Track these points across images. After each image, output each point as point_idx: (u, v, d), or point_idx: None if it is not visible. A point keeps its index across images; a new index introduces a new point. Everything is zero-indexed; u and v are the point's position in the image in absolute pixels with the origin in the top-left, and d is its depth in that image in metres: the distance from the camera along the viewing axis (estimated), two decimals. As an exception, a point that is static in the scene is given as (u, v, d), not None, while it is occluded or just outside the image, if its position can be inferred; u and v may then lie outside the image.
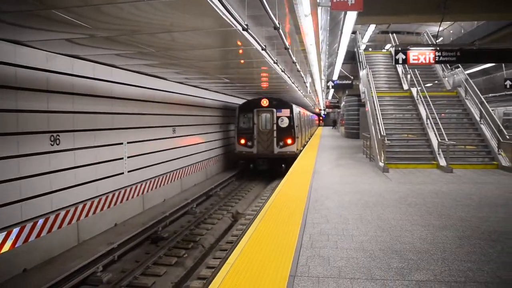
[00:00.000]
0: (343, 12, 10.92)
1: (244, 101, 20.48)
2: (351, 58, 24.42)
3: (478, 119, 14.53)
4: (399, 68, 20.85)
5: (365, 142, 16.50)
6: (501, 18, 14.99)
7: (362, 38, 24.77)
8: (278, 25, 6.16)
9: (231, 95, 21.74)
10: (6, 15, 5.20)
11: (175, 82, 13.67)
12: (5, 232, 6.77)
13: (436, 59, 11.57)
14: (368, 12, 10.24)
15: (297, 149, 19.33)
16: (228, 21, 5.49)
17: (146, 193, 11.72)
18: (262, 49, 7.64)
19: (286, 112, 18.79)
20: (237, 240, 9.39)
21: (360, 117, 27.06)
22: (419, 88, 16.65)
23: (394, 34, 24.41)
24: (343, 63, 22.09)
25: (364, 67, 20.27)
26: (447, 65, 19.11)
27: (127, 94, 10.67)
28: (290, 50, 8.41)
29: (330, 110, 63.84)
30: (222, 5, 4.72)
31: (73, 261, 7.55)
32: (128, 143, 10.69)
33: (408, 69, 19.18)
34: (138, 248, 9.02)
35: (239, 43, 7.33)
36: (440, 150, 12.95)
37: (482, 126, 14.17)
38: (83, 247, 8.56)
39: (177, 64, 9.69)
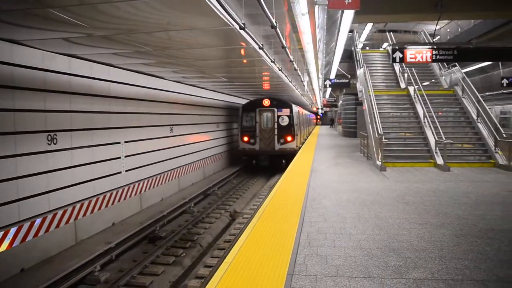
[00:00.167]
0: (340, 11, 10.95)
1: (246, 101, 21.54)
2: (349, 57, 24.45)
3: (475, 117, 14.56)
4: (396, 66, 20.87)
5: (362, 140, 16.52)
6: (498, 17, 15.04)
7: (359, 36, 24.80)
8: (275, 24, 6.15)
9: (230, 94, 21.72)
10: (3, 14, 5.18)
11: (175, 81, 13.66)
12: (3, 232, 6.76)
13: (433, 58, 11.57)
14: (365, 10, 10.24)
15: (297, 146, 20.51)
16: (225, 20, 5.48)
17: (143, 192, 11.70)
18: (260, 48, 7.64)
19: (286, 111, 20.03)
20: (235, 239, 9.39)
21: (358, 116, 27.11)
22: (416, 86, 16.67)
23: (391, 33, 24.43)
24: (340, 62, 22.14)
25: (361, 65, 20.30)
26: (444, 63, 19.13)
27: (125, 93, 10.65)
28: (287, 49, 8.41)
29: (328, 109, 63.91)
30: (219, 4, 4.71)
31: (71, 261, 7.54)
32: (125, 142, 10.67)
33: (405, 68, 19.22)
34: (135, 248, 9.01)
35: (243, 44, 7.33)
36: (437, 148, 12.98)
37: (479, 124, 14.20)
38: (80, 246, 8.55)
39: (175, 63, 9.68)
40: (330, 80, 24.08)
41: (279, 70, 11.53)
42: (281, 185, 9.58)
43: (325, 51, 18.55)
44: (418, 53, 11.64)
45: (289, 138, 19.90)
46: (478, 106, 14.50)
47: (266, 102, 20.10)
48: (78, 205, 8.75)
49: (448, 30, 24.26)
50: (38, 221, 7.54)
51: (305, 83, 18.71)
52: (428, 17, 14.17)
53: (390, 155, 13.23)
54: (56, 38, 6.72)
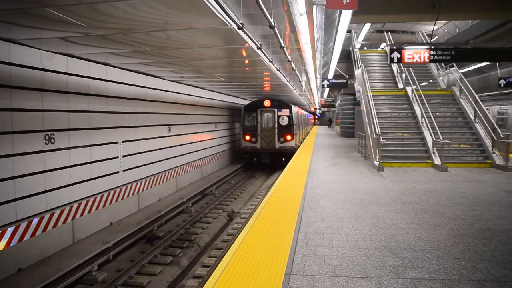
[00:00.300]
0: (338, 11, 10.96)
1: (244, 101, 22.56)
2: (346, 57, 24.50)
3: (472, 118, 14.59)
4: (394, 67, 20.92)
5: (360, 141, 16.54)
6: (495, 17, 15.10)
7: (357, 37, 24.84)
8: (273, 24, 6.16)
9: (228, 94, 21.73)
10: (0, 13, 5.16)
11: (173, 81, 13.65)
12: (0, 232, 6.74)
13: (431, 58, 11.60)
14: (363, 10, 10.29)
15: (296, 144, 21.61)
16: (223, 20, 5.48)
17: (141, 192, 11.69)
18: (258, 48, 7.64)
19: (286, 111, 21.11)
20: (232, 239, 9.40)
21: (355, 116, 27.15)
22: (414, 87, 16.70)
23: (389, 33, 24.50)
24: (338, 62, 22.16)
25: (359, 66, 20.32)
26: (442, 64, 19.18)
27: (122, 92, 10.63)
28: (285, 49, 8.41)
29: (326, 109, 63.95)
30: (217, 4, 4.72)
31: (68, 260, 7.53)
32: (123, 142, 10.66)
33: (403, 68, 19.25)
34: (133, 247, 9.00)
35: (241, 43, 7.32)
36: (434, 149, 13.01)
37: (476, 125, 14.23)
38: (78, 246, 8.54)
39: (172, 62, 9.67)
40: (328, 80, 24.09)
41: (277, 70, 11.53)
42: (279, 185, 9.58)
43: (323, 51, 18.59)
44: (416, 54, 11.68)
45: (288, 137, 20.94)
46: (475, 107, 14.53)
47: (267, 103, 21.04)
48: (75, 205, 8.74)
49: (445, 30, 24.33)
50: (35, 220, 7.53)
51: (303, 83, 18.74)
52: (426, 18, 14.22)
53: (388, 155, 13.24)
54: (54, 37, 6.71)
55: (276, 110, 21.13)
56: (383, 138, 12.76)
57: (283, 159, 20.23)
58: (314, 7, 7.47)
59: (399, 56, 11.83)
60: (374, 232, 5.78)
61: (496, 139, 12.78)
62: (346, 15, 10.69)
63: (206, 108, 18.37)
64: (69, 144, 8.56)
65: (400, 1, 12.46)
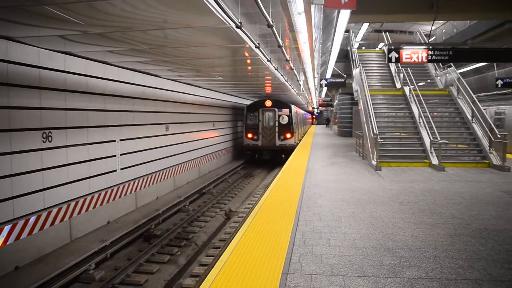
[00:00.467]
0: (337, 10, 10.97)
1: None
2: (344, 56, 24.50)
3: (470, 118, 14.62)
4: (392, 66, 20.94)
5: (358, 140, 16.56)
6: (493, 18, 15.14)
7: (356, 36, 24.86)
8: (271, 23, 6.16)
9: (225, 93, 21.72)
10: (-2, 10, 5.16)
11: (171, 80, 13.64)
12: (-3, 230, 6.74)
13: (429, 58, 11.64)
14: (361, 10, 10.29)
15: (295, 142, 22.86)
16: (222, 19, 5.48)
17: (138, 190, 11.68)
18: (256, 47, 7.64)
19: (286, 111, 22.35)
20: (230, 237, 9.40)
21: (353, 116, 27.19)
22: (411, 86, 16.72)
23: (387, 33, 24.50)
24: (336, 62, 22.20)
25: (357, 65, 20.34)
26: (440, 64, 19.21)
27: (120, 91, 10.62)
28: (283, 48, 8.41)
29: (323, 108, 63.99)
30: (216, 2, 4.71)
31: (66, 259, 7.52)
32: (120, 140, 10.65)
33: (401, 68, 19.27)
34: (130, 246, 8.99)
35: (239, 42, 7.31)
36: (432, 148, 13.03)
37: (474, 125, 14.27)
38: (75, 244, 8.52)
39: (170, 61, 9.65)
40: (326, 79, 24.11)
41: (275, 69, 11.54)
42: (277, 184, 9.59)
43: (321, 50, 18.59)
44: (414, 53, 11.71)
45: (288, 135, 22.22)
46: (473, 107, 14.56)
47: (268, 103, 22.34)
48: (73, 203, 8.73)
49: (443, 30, 24.37)
50: (32, 219, 7.52)
51: (301, 82, 18.75)
52: (424, 18, 14.26)
53: (386, 154, 13.27)
54: (52, 35, 6.70)
55: (276, 109, 22.27)
56: (380, 138, 12.79)
57: (283, 155, 21.15)
58: (313, 7, 7.48)
59: (397, 56, 11.86)
60: (371, 232, 5.79)
61: (493, 139, 12.82)
62: (345, 15, 10.71)
63: (205, 107, 18.35)
64: (67, 142, 8.55)
65: (398, 1, 12.48)
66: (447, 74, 18.12)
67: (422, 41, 21.05)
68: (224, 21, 5.60)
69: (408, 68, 18.96)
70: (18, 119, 7.23)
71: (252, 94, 23.66)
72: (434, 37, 25.42)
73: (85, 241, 8.73)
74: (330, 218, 6.55)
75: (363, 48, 27.80)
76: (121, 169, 10.74)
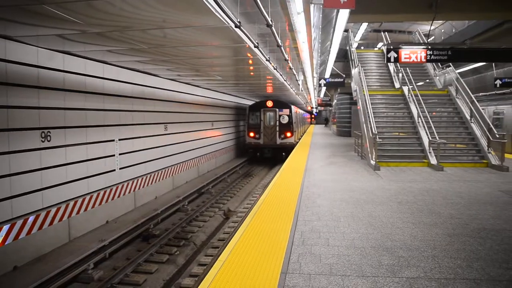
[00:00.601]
0: (336, 10, 10.97)
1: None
2: (343, 56, 24.53)
3: (468, 118, 14.64)
4: (391, 66, 20.95)
5: (356, 140, 16.57)
6: (491, 18, 15.16)
7: (354, 36, 24.87)
8: (270, 23, 6.16)
9: (224, 93, 21.72)
10: (-4, 9, 5.15)
11: (170, 79, 13.63)
12: (-5, 229, 6.73)
13: (428, 58, 11.64)
14: (360, 10, 10.30)
15: (295, 141, 23.89)
16: (221, 18, 5.48)
17: (137, 190, 11.67)
18: (255, 47, 7.64)
19: (286, 111, 23.35)
20: (229, 237, 9.40)
21: (352, 115, 27.21)
22: (410, 86, 16.72)
23: (386, 33, 24.50)
24: (335, 61, 22.21)
25: (356, 65, 20.35)
26: (439, 64, 19.23)
27: (119, 90, 10.60)
28: (282, 48, 8.41)
29: (322, 108, 64.02)
30: (215, 2, 4.71)
31: (64, 258, 7.51)
32: (119, 140, 10.64)
33: (399, 68, 19.27)
34: (129, 246, 8.99)
35: (238, 42, 7.31)
36: (431, 148, 13.04)
37: (472, 125, 14.28)
38: (74, 244, 8.52)
39: (169, 60, 9.65)
40: (325, 79, 24.13)
41: (274, 69, 11.54)
42: (276, 183, 9.59)
43: (320, 50, 18.59)
44: (413, 53, 11.72)
45: (288, 134, 23.24)
46: (471, 107, 14.58)
47: (269, 103, 23.37)
48: (71, 203, 8.72)
49: (442, 30, 24.39)
50: (31, 218, 7.51)
51: (300, 82, 18.77)
52: (423, 17, 14.25)
53: (384, 154, 13.28)
54: (51, 34, 6.69)
55: (277, 109, 23.28)
56: (379, 138, 12.79)
57: (284, 153, 21.99)
58: (312, 6, 7.48)
59: (396, 55, 11.87)
60: (370, 231, 5.79)
61: (491, 139, 12.83)
62: (344, 15, 10.71)
63: (205, 107, 18.35)
64: (66, 141, 8.54)
65: (397, 1, 12.49)
66: (446, 74, 18.13)
67: (421, 41, 21.07)
68: (224, 20, 5.60)
69: (407, 68, 18.97)
70: (17, 119, 7.22)
71: (251, 94, 23.75)
72: (433, 37, 25.43)
73: (83, 240, 8.72)
74: (329, 217, 6.55)
75: (362, 47, 27.84)
76: (120, 168, 10.73)
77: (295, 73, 14.39)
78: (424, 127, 13.99)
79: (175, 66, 10.62)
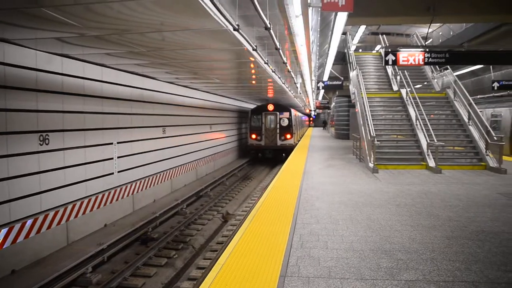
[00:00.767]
0: (334, 13, 10.99)
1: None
2: (342, 59, 24.52)
3: (466, 120, 14.66)
4: (389, 69, 20.97)
5: (355, 143, 16.58)
6: (489, 20, 15.22)
7: (353, 39, 24.88)
8: (269, 26, 6.17)
9: (222, 96, 21.73)
10: (-6, 12, 5.15)
11: (168, 83, 13.63)
12: (-7, 233, 6.71)
13: (425, 61, 11.68)
14: (358, 13, 10.32)
15: (294, 142, 24.99)
16: (219, 21, 5.48)
17: (136, 193, 11.66)
18: (253, 49, 7.65)
19: (286, 114, 24.70)
20: (227, 240, 9.39)
21: (350, 118, 27.25)
22: (408, 89, 16.76)
23: (384, 36, 24.55)
24: (333, 64, 22.18)
25: (354, 68, 20.36)
26: (436, 66, 19.27)
27: (118, 93, 10.60)
28: (280, 51, 8.42)
29: (321, 111, 64.02)
30: (213, 5, 4.72)
31: (62, 262, 7.49)
32: (117, 143, 10.63)
33: (397, 70, 19.30)
34: (128, 249, 8.97)
35: (236, 45, 7.32)
36: (429, 151, 13.05)
37: (470, 127, 14.30)
38: (72, 247, 8.50)
39: (168, 63, 9.65)
40: (323, 82, 24.16)
41: (273, 71, 11.54)
42: (274, 186, 9.59)
43: (318, 53, 18.61)
44: (411, 56, 11.76)
45: (288, 136, 24.47)
46: (469, 109, 14.61)
47: (270, 107, 24.57)
48: (70, 206, 8.70)
49: (440, 33, 24.43)
50: (29, 222, 7.49)
51: (298, 85, 18.78)
52: (420, 20, 14.32)
53: (383, 157, 13.29)
54: (49, 37, 6.69)
55: (278, 113, 24.55)
56: (377, 140, 12.80)
57: (284, 154, 23.18)
58: (310, 9, 7.49)
59: (394, 58, 11.91)
60: (368, 234, 5.79)
61: (489, 142, 12.84)
62: (342, 18, 10.73)
63: (204, 110, 18.35)
64: (64, 145, 8.53)
65: (395, 4, 12.53)
66: (444, 77, 18.17)
67: (419, 44, 21.11)
68: (222, 23, 5.60)
69: (405, 71, 19.01)
70: (15, 122, 7.21)
71: (251, 97, 23.85)
72: (431, 40, 25.48)
73: (82, 244, 8.70)
74: (328, 220, 6.55)
75: (360, 50, 27.89)
76: (118, 172, 10.72)
77: (293, 76, 14.40)
78: (422, 129, 14.01)
79: (173, 69, 10.62)
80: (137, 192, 11.75)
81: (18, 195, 7.29)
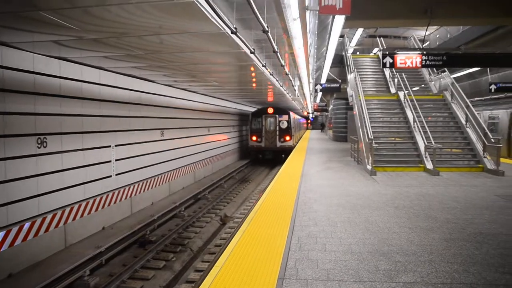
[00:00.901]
0: (331, 16, 11.03)
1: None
2: (339, 61, 24.60)
3: (464, 122, 14.71)
4: (387, 71, 21.01)
5: (353, 145, 16.60)
6: (485, 23, 15.28)
7: (350, 42, 24.96)
8: (266, 29, 6.18)
9: (221, 98, 21.74)
10: (-7, 16, 5.15)
11: (167, 85, 13.64)
12: (-10, 236, 6.69)
13: (423, 63, 11.71)
14: (356, 16, 10.34)
15: (293, 144, 26.09)
16: (217, 24, 5.50)
17: (134, 196, 11.64)
18: (251, 52, 7.66)
19: (285, 117, 25.74)
20: (225, 243, 9.38)
21: (348, 121, 27.29)
22: (406, 91, 16.79)
23: (382, 38, 24.63)
24: (331, 67, 22.25)
25: (352, 70, 20.40)
26: (434, 69, 19.34)
27: (115, 96, 10.60)
28: (278, 54, 8.44)
29: (318, 113, 64.12)
30: (211, 8, 4.73)
31: (60, 265, 7.47)
32: (115, 146, 10.63)
33: (395, 73, 19.36)
34: (126, 252, 8.95)
35: (235, 48, 7.33)
36: (427, 153, 13.08)
37: (468, 129, 14.35)
38: (70, 250, 8.48)
39: (166, 66, 9.65)
40: (321, 84, 24.21)
41: (271, 74, 11.57)
42: (272, 189, 9.59)
43: (316, 56, 18.67)
44: (408, 59, 11.79)
45: (287, 138, 25.57)
46: (467, 111, 14.65)
47: (270, 110, 25.67)
48: (67, 209, 8.68)
49: (437, 36, 24.54)
50: (27, 225, 7.47)
51: (296, 88, 18.82)
52: (418, 23, 14.36)
53: (380, 159, 13.30)
54: (47, 40, 6.69)
55: (277, 116, 25.63)
56: (375, 143, 12.82)
57: (283, 155, 24.09)
58: (308, 12, 7.52)
59: (391, 61, 11.94)
60: (367, 236, 5.80)
61: (487, 144, 12.88)
62: (339, 20, 10.76)
63: (202, 113, 18.35)
64: (62, 148, 8.52)
65: (392, 7, 12.56)
66: (441, 79, 18.22)
67: (416, 46, 21.18)
68: (220, 26, 5.62)
69: (403, 73, 19.05)
70: (13, 125, 7.20)
71: (249, 100, 23.92)
72: (428, 42, 25.59)
73: (80, 247, 8.68)
74: (326, 223, 6.56)
75: (358, 53, 27.93)
76: (116, 174, 10.71)
77: (291, 78, 14.43)
78: (420, 132, 14.03)
79: (171, 72, 10.63)
80: (135, 195, 11.74)
81: (16, 198, 7.28)
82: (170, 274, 8.00)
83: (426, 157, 13.01)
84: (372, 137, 12.77)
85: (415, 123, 14.67)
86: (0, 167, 6.92)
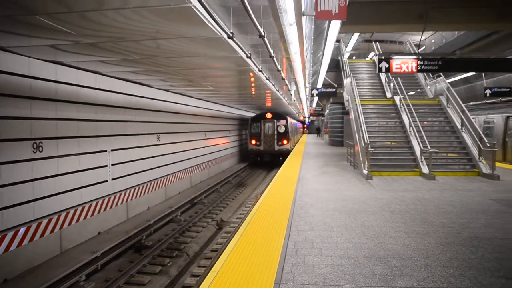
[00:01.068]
0: (327, 21, 11.07)
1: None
2: (335, 66, 24.68)
3: (459, 127, 14.78)
4: (383, 76, 21.11)
5: (349, 149, 16.63)
6: (480, 28, 15.43)
7: (346, 46, 25.06)
8: (263, 34, 6.20)
9: (217, 103, 21.74)
10: (-12, 20, 5.14)
11: (163, 90, 13.63)
12: (-15, 241, 6.65)
13: (418, 68, 11.77)
14: (352, 21, 10.41)
15: (290, 147, 27.41)
16: (214, 29, 5.51)
17: (130, 201, 11.61)
18: (247, 57, 7.68)
19: (283, 122, 27.06)
20: (222, 248, 9.36)
21: (344, 125, 27.39)
22: (402, 96, 16.87)
23: (378, 43, 24.75)
24: (327, 71, 22.31)
25: (348, 75, 20.48)
26: (429, 73, 19.43)
27: (112, 101, 10.59)
28: (275, 58, 8.46)
29: (315, 118, 64.20)
30: (208, 13, 4.74)
31: (56, 270, 7.43)
32: (111, 150, 10.60)
33: (391, 78, 19.44)
34: (121, 257, 8.91)
35: (231, 53, 7.35)
36: (422, 157, 13.12)
37: (463, 134, 14.41)
38: (66, 255, 8.44)
39: (162, 71, 9.65)
40: (317, 89, 24.30)
41: (267, 79, 11.59)
42: (269, 193, 9.59)
43: (312, 60, 18.71)
44: (404, 63, 11.84)
45: (285, 141, 26.85)
46: (462, 116, 14.73)
47: (269, 115, 27.01)
48: (63, 214, 8.65)
49: (433, 41, 24.68)
50: (22, 230, 7.43)
51: (292, 92, 18.85)
52: (413, 28, 14.46)
53: (376, 164, 13.34)
54: (43, 45, 6.67)
55: (275, 120, 26.91)
56: (371, 147, 12.86)
57: (281, 158, 25.48)
58: (304, 18, 7.55)
59: (387, 65, 11.99)
60: (363, 241, 5.80)
61: (482, 148, 12.94)
62: (335, 25, 10.81)
63: (199, 117, 18.35)
64: (58, 152, 8.50)
65: (388, 12, 12.65)
66: (437, 84, 18.33)
67: (412, 51, 21.28)
68: (216, 31, 5.63)
69: (398, 78, 19.15)
70: (8, 129, 7.17)
71: (244, 104, 23.91)
72: (424, 47, 25.73)
73: (75, 252, 8.64)
74: (322, 227, 6.56)
75: (354, 58, 28.11)
76: (112, 179, 10.68)
77: (287, 83, 14.46)
78: (415, 136, 14.10)
79: (168, 76, 10.63)
80: (131, 199, 11.70)
81: (11, 202, 7.24)
82: (166, 279, 7.98)
83: (422, 161, 13.05)
84: (368, 142, 12.81)
85: (411, 128, 14.73)
86: (-5, 171, 6.89)
